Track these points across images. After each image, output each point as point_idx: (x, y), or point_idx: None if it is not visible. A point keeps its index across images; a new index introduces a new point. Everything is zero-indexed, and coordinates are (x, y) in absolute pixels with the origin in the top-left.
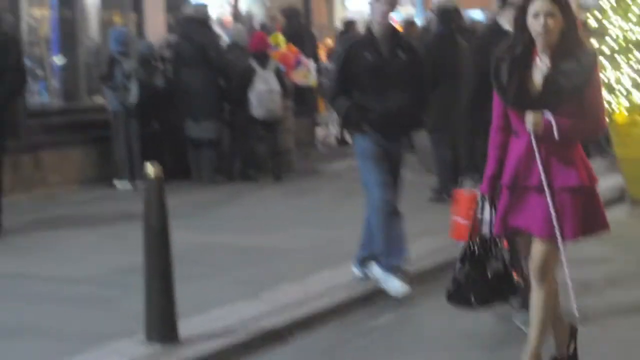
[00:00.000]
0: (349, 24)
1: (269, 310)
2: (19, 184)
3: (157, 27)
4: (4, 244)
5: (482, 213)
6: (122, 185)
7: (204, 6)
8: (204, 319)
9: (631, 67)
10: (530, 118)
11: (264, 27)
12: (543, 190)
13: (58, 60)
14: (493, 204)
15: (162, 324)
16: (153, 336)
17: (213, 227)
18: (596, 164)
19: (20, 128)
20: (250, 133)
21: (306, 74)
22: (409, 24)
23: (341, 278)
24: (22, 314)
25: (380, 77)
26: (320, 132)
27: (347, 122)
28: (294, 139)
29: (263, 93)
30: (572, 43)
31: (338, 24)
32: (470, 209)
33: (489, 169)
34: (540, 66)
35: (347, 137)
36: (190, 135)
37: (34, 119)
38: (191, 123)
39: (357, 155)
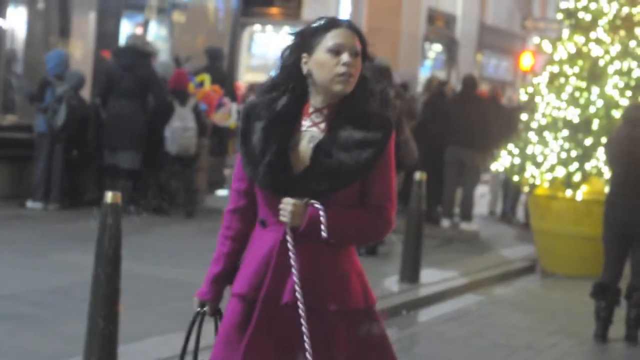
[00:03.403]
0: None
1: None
2: None
3: (85, 57)
4: None
5: (194, 331)
6: (34, 206)
7: (145, 39)
8: (142, 348)
9: (558, 144)
10: (288, 206)
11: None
12: (297, 312)
13: None
14: (218, 318)
15: (103, 348)
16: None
17: (132, 257)
18: (508, 233)
19: None
20: (165, 168)
21: (227, 116)
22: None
23: None
24: None
25: None
26: (228, 173)
27: None
28: (207, 178)
29: (178, 130)
30: (362, 102)
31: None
32: None
33: (214, 265)
34: (311, 132)
35: None
36: (109, 164)
37: None
38: (111, 152)
39: None
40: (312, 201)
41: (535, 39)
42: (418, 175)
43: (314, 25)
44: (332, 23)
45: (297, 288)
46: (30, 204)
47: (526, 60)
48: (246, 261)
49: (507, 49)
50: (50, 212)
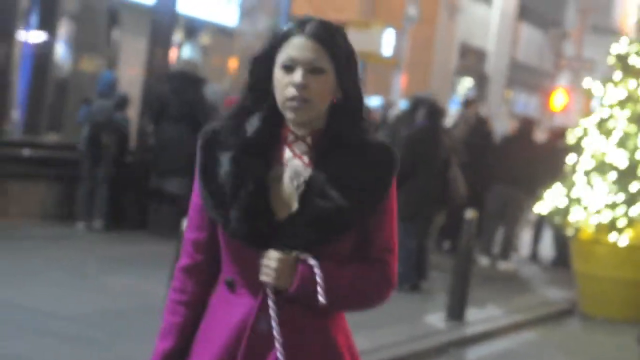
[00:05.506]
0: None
1: None
2: None
3: (131, 79)
4: None
5: None
6: (80, 226)
7: (195, 63)
8: None
9: (605, 187)
10: (272, 262)
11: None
12: None
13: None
14: None
15: None
16: None
17: None
18: (543, 274)
19: None
20: None
21: None
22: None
23: None
24: (14, 345)
25: None
26: None
27: None
28: None
29: None
30: (353, 125)
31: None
32: None
33: (163, 339)
34: (293, 165)
35: None
36: (155, 187)
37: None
38: (160, 176)
39: None
40: (304, 255)
41: (587, 80)
42: (470, 214)
43: (280, 30)
44: (291, 29)
45: None
46: (77, 224)
47: (559, 99)
48: (206, 335)
49: (537, 86)
50: (95, 233)
